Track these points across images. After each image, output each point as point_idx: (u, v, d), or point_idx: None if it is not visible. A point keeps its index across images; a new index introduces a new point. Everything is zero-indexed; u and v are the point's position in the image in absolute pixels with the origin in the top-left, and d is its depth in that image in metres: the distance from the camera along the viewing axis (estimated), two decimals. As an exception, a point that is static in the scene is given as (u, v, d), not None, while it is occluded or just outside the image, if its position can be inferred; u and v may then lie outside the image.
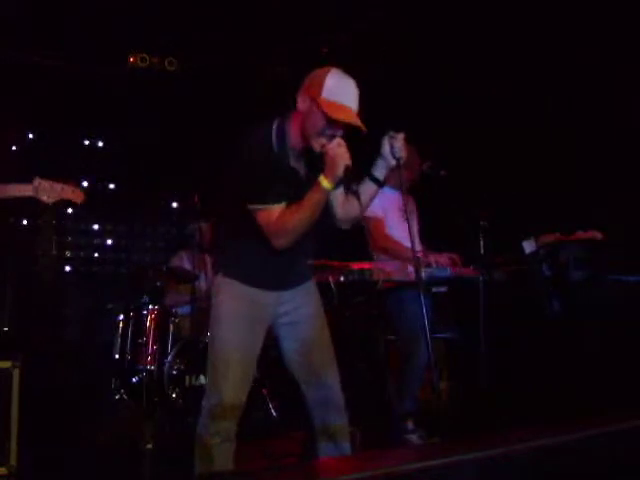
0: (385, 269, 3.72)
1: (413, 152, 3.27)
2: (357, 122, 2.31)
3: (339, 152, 2.29)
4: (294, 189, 2.38)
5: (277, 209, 2.36)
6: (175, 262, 5.20)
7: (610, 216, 4.00)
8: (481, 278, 3.54)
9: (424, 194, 4.13)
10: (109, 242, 6.52)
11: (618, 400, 2.87)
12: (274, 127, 2.41)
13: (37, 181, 2.80)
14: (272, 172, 2.36)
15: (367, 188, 2.51)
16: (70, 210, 6.37)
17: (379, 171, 2.51)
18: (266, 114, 2.51)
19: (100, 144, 6.35)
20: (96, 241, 6.50)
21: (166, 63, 5.87)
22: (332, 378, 2.53)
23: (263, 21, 5.24)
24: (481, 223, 3.62)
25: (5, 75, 5.11)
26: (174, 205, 6.52)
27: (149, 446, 3.69)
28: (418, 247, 3.97)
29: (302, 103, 2.38)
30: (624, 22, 4.33)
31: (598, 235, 3.66)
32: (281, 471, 1.83)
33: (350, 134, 2.38)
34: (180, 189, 6.08)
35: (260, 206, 2.36)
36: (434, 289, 3.89)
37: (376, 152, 2.51)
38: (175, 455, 3.56)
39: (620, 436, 1.61)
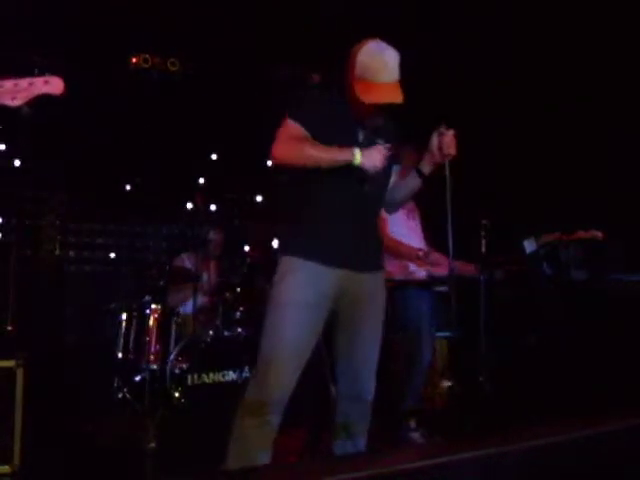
0: (386, 268, 3.72)
1: (412, 151, 3.27)
2: (392, 99, 2.30)
3: (377, 158, 2.29)
4: (336, 136, 2.34)
5: (302, 131, 2.33)
6: (177, 264, 5.21)
7: (610, 216, 4.01)
8: (482, 277, 3.55)
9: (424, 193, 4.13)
10: (112, 242, 6.54)
11: (618, 400, 2.88)
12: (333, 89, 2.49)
13: None
14: (323, 105, 2.42)
15: (411, 180, 2.56)
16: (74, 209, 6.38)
17: (425, 166, 2.52)
18: (266, 112, 2.52)
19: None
20: (99, 241, 6.51)
21: (168, 64, 5.88)
22: (369, 377, 2.50)
23: (264, 21, 5.25)
24: (482, 222, 3.63)
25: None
26: (177, 205, 6.53)
27: (152, 445, 3.70)
28: (423, 246, 3.98)
29: (345, 83, 2.40)
30: (623, 22, 4.35)
31: (599, 235, 3.66)
32: (284, 469, 1.84)
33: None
34: (183, 189, 6.09)
35: (293, 120, 2.35)
36: (435, 288, 3.90)
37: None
38: (178, 454, 3.58)
39: (620, 436, 1.63)
